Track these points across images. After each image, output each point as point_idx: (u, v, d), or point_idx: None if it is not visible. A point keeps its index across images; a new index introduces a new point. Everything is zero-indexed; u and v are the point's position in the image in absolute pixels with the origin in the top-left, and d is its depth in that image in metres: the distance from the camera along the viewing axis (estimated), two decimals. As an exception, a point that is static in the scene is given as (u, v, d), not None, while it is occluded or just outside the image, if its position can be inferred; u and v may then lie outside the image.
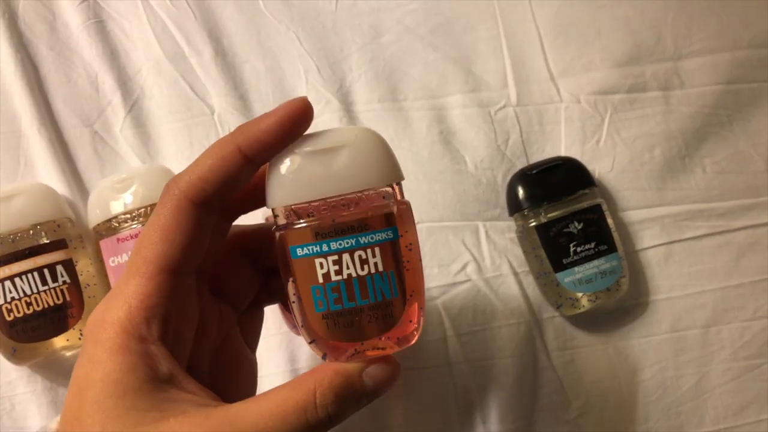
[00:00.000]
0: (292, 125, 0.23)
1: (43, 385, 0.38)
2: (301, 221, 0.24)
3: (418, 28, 0.46)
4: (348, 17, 0.45)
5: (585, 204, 0.41)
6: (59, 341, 0.35)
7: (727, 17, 0.46)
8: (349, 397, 0.24)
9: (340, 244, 0.24)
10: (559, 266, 0.40)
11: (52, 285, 0.34)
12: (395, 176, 0.25)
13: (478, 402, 0.40)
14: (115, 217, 0.37)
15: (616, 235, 0.41)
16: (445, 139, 0.44)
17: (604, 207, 0.41)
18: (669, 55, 0.46)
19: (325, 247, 0.24)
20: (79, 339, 0.35)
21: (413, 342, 0.26)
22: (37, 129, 0.41)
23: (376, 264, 0.24)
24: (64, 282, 0.35)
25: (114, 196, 0.37)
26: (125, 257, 0.36)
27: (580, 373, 0.41)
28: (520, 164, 0.44)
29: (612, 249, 0.40)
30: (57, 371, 0.38)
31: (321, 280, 0.24)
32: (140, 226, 0.36)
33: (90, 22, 0.43)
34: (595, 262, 0.40)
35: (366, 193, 0.24)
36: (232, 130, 0.42)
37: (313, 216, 0.24)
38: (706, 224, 0.43)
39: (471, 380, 0.40)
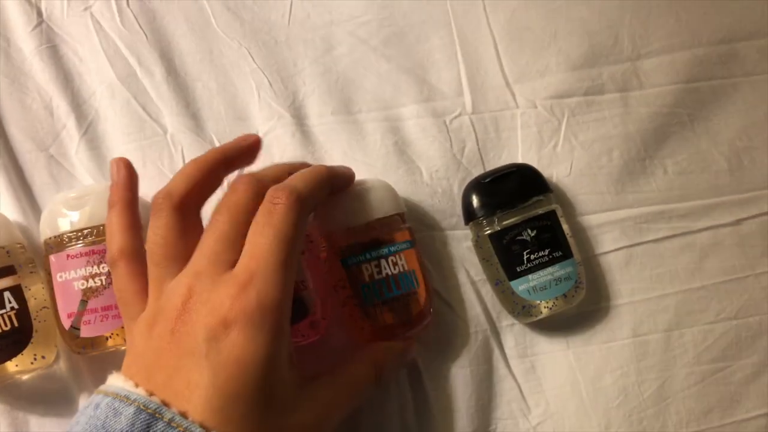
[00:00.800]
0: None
1: (2, 408, 0.38)
2: (350, 239, 0.37)
3: (370, 39, 0.46)
4: (300, 31, 0.46)
5: (539, 211, 0.40)
6: (10, 366, 0.35)
7: (685, 14, 0.46)
8: (396, 368, 0.37)
9: (379, 252, 0.36)
10: (513, 274, 0.40)
11: (-1, 311, 0.35)
12: (402, 207, 0.40)
13: (437, 412, 0.40)
14: (67, 232, 0.37)
15: (572, 241, 0.41)
16: (399, 150, 0.44)
17: (560, 213, 0.41)
18: (627, 56, 0.45)
19: (368, 256, 0.36)
20: (32, 363, 0.36)
21: (428, 321, 0.38)
22: (-8, 155, 0.42)
23: (403, 265, 0.37)
24: (12, 308, 0.35)
25: (67, 211, 0.37)
26: (72, 274, 0.36)
27: (540, 380, 0.41)
28: (477, 172, 0.43)
29: (567, 255, 0.40)
30: (14, 394, 0.38)
31: (368, 280, 0.36)
32: (92, 243, 0.37)
33: (43, 47, 0.44)
34: (550, 270, 0.40)
35: (389, 217, 0.38)
36: (184, 149, 0.43)
37: (357, 234, 0.37)
38: (668, 226, 0.43)
39: (428, 390, 0.40)
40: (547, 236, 0.40)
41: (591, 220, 0.43)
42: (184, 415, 0.26)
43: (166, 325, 0.29)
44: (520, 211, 0.40)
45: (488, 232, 0.40)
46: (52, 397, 0.39)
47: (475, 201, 0.41)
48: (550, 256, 0.40)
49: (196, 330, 0.28)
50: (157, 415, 0.26)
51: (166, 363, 0.28)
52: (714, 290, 0.42)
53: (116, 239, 0.33)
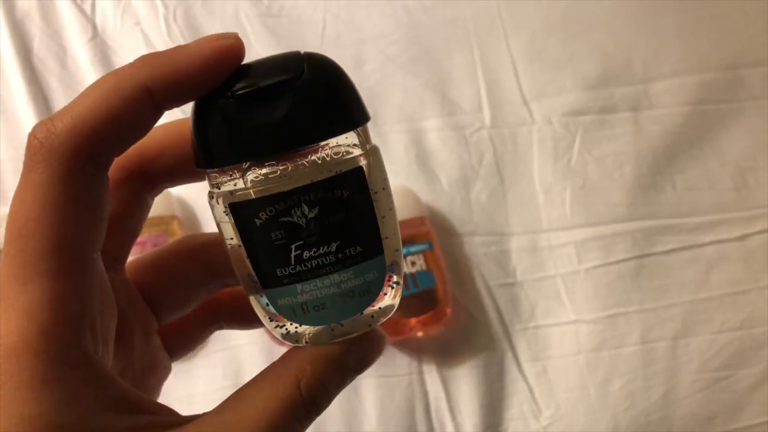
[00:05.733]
0: (222, 68, 0.17)
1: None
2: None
3: (398, 57, 0.49)
4: (333, 48, 0.49)
5: (334, 170, 0.18)
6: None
7: (695, 41, 0.49)
8: (335, 383, 0.19)
9: None
10: (270, 279, 0.19)
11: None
12: (424, 211, 0.31)
13: (449, 411, 0.42)
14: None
15: (385, 224, 0.19)
16: (421, 161, 0.47)
17: (372, 169, 0.19)
18: (638, 78, 0.48)
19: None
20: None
21: (445, 319, 0.35)
22: (47, 155, 0.45)
23: (421, 264, 0.38)
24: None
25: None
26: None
27: (551, 383, 0.43)
28: (494, 183, 0.46)
29: (372, 251, 0.19)
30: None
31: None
32: (146, 234, 0.39)
33: (97, 57, 0.48)
34: (337, 277, 0.19)
35: (410, 220, 0.31)
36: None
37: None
38: (676, 239, 0.45)
39: (442, 389, 0.42)
40: (340, 217, 0.19)
41: (603, 230, 0.45)
42: None
43: None
44: (293, 172, 0.18)
45: (231, 199, 0.18)
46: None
47: (210, 131, 0.18)
48: (343, 254, 0.19)
49: None
50: None
51: None
52: (719, 302, 0.44)
53: None
